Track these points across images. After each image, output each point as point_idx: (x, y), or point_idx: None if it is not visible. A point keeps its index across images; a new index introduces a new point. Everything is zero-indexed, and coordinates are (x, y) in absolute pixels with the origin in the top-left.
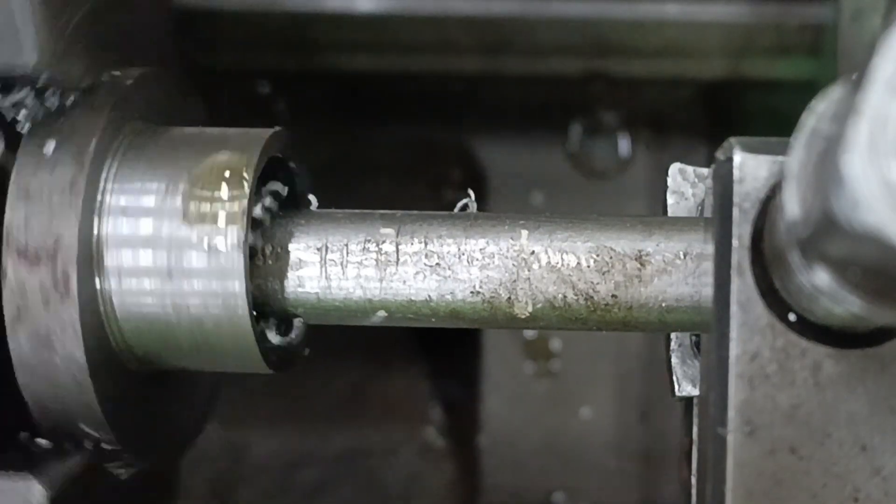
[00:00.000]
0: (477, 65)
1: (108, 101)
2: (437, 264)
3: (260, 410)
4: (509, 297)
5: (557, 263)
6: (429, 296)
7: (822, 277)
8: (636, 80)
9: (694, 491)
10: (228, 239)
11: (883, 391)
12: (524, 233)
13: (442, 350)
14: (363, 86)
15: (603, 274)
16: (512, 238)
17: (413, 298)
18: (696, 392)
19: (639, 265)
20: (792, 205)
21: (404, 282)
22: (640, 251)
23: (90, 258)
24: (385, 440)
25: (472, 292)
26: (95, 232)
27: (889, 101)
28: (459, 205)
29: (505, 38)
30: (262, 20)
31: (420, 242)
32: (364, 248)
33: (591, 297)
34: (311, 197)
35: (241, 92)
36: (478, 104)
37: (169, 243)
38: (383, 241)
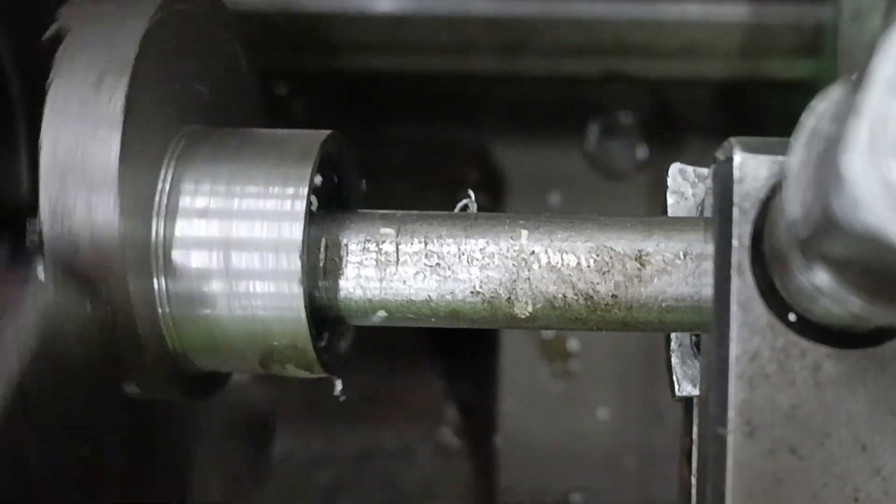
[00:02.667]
0: (494, 65)
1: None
2: (437, 264)
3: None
4: (509, 297)
5: (557, 263)
6: (429, 296)
7: (822, 277)
8: (654, 80)
9: (694, 491)
10: (286, 240)
11: (883, 391)
12: (524, 233)
13: (458, 350)
14: (380, 86)
15: (603, 274)
16: (512, 238)
17: (413, 298)
18: (696, 392)
19: (639, 265)
20: (792, 205)
21: (404, 282)
22: (640, 251)
23: (147, 259)
24: (401, 441)
25: (472, 292)
26: (153, 233)
27: (889, 101)
28: (459, 205)
29: (523, 39)
30: (279, 20)
31: (420, 242)
32: (364, 247)
33: (591, 297)
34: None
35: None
36: (495, 104)
37: (226, 244)
38: (383, 241)
